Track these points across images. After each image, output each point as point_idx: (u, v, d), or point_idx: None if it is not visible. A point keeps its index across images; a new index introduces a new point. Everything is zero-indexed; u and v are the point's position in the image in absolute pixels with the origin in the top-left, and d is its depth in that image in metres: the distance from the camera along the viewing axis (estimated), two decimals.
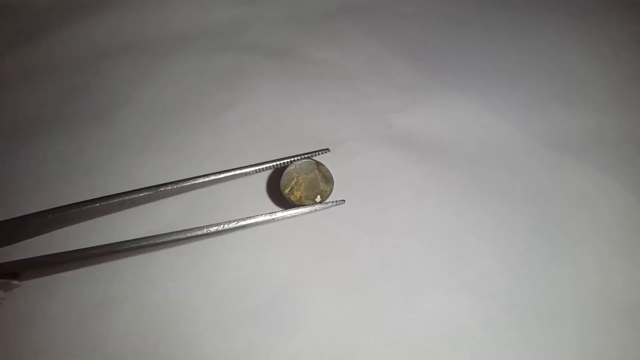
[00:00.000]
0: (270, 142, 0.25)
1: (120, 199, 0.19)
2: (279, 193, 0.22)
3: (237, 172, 0.20)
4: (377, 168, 0.24)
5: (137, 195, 0.20)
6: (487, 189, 0.23)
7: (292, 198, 0.20)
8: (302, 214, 0.20)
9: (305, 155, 0.21)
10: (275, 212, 0.20)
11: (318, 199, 0.20)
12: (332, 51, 0.30)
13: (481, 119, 0.26)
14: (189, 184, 0.20)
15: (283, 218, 0.20)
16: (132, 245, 0.19)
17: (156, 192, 0.20)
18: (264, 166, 0.20)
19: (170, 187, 0.20)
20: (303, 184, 0.20)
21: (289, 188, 0.20)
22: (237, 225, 0.19)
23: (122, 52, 0.30)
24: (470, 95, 0.27)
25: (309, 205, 0.20)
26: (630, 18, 0.31)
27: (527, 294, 0.20)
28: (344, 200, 0.21)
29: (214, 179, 0.20)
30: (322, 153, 0.21)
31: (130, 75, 0.28)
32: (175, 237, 0.19)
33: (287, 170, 0.21)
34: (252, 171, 0.20)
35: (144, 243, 0.19)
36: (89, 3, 0.32)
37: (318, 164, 0.21)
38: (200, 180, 0.20)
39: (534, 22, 0.31)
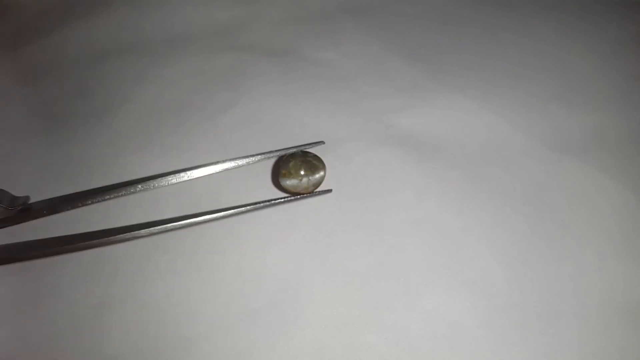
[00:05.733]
0: (271, 142, 0.25)
1: (122, 191, 0.19)
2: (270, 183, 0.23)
3: (231, 164, 0.21)
4: (377, 168, 0.24)
5: (135, 189, 0.20)
6: (487, 189, 0.23)
7: (288, 178, 0.21)
8: (290, 199, 0.21)
9: (299, 148, 0.22)
10: (268, 201, 0.21)
11: (316, 177, 0.21)
12: (332, 51, 0.30)
13: (481, 119, 0.26)
14: (180, 179, 0.20)
15: (273, 204, 0.21)
16: (127, 235, 0.19)
17: (153, 185, 0.20)
18: (257, 157, 0.21)
19: (162, 183, 0.20)
20: (302, 167, 0.21)
21: (286, 170, 0.21)
22: (229, 213, 0.20)
23: (122, 52, 0.30)
24: (470, 95, 0.27)
25: (301, 189, 0.21)
26: (630, 18, 0.31)
27: (527, 294, 0.20)
28: (331, 190, 0.22)
29: (207, 174, 0.20)
30: (317, 145, 0.22)
31: (130, 75, 0.28)
32: (169, 225, 0.19)
33: (286, 165, 0.21)
34: (246, 163, 0.21)
35: (134, 234, 0.19)
36: (89, 3, 0.32)
37: (305, 153, 0.22)
38: (188, 175, 0.20)
39: (534, 22, 0.31)
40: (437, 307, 0.20)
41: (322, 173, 0.21)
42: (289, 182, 0.21)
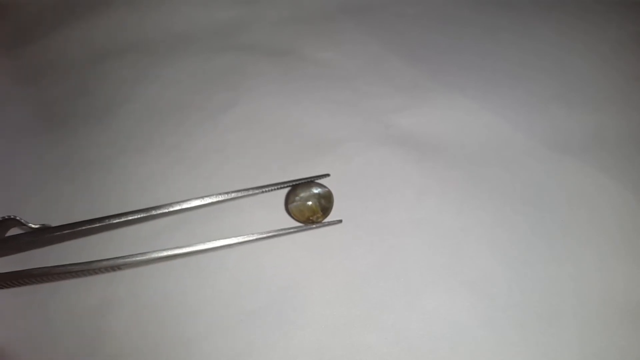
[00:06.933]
0: (270, 142, 0.25)
1: (133, 217, 0.20)
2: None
3: (237, 194, 0.21)
4: (377, 168, 0.24)
5: (149, 213, 0.20)
6: (487, 189, 0.23)
7: (294, 202, 0.21)
8: (298, 230, 0.21)
9: (307, 180, 0.22)
10: (277, 231, 0.21)
11: (322, 202, 0.21)
12: (332, 51, 0.30)
13: (481, 119, 0.26)
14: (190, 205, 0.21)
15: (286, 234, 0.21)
16: (131, 260, 0.19)
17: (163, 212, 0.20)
18: (260, 190, 0.22)
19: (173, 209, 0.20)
20: (312, 207, 0.21)
21: (295, 203, 0.21)
22: (236, 241, 0.20)
23: (121, 52, 0.30)
24: (470, 95, 0.27)
25: (310, 220, 0.21)
26: (630, 18, 0.31)
27: (527, 294, 0.20)
28: (341, 220, 0.22)
29: (215, 201, 0.21)
30: (323, 178, 0.22)
31: (129, 75, 0.28)
32: (171, 252, 0.19)
33: (294, 191, 0.22)
34: (251, 193, 0.21)
35: (141, 258, 0.19)
36: (89, 3, 0.32)
37: (312, 182, 0.22)
38: (196, 203, 0.21)
39: (534, 22, 0.31)
40: (437, 307, 0.20)
41: (328, 193, 0.22)
42: (294, 205, 0.21)
